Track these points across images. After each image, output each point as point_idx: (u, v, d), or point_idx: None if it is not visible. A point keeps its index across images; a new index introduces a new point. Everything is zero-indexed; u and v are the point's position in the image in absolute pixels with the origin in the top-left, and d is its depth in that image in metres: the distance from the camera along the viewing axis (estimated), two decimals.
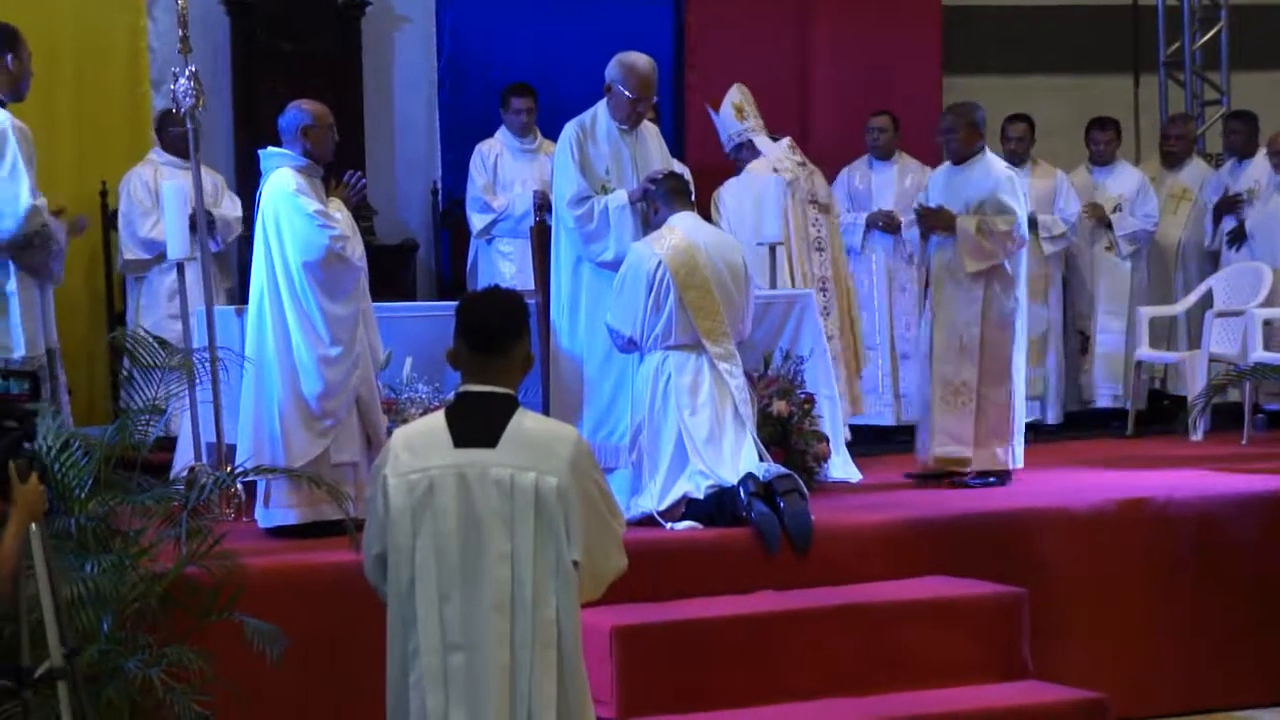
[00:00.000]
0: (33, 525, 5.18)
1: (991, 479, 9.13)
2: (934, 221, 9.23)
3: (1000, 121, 11.78)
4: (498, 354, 4.87)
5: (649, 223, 8.47)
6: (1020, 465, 9.26)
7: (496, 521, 4.78)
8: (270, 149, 8.04)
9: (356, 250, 7.94)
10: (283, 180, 7.88)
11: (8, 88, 7.80)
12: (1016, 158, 11.63)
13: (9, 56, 7.78)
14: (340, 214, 7.95)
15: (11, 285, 7.75)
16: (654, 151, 8.72)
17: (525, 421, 4.86)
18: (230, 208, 10.35)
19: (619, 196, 8.49)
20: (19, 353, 7.69)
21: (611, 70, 8.59)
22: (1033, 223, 11.48)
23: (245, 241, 10.59)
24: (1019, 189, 9.31)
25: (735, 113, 10.65)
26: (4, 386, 5.18)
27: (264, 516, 7.96)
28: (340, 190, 8.11)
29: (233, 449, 8.14)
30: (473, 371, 4.89)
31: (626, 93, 8.53)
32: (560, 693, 4.79)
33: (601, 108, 8.65)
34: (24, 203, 7.65)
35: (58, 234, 7.91)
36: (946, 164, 9.50)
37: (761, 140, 10.63)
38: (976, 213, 9.14)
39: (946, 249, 9.22)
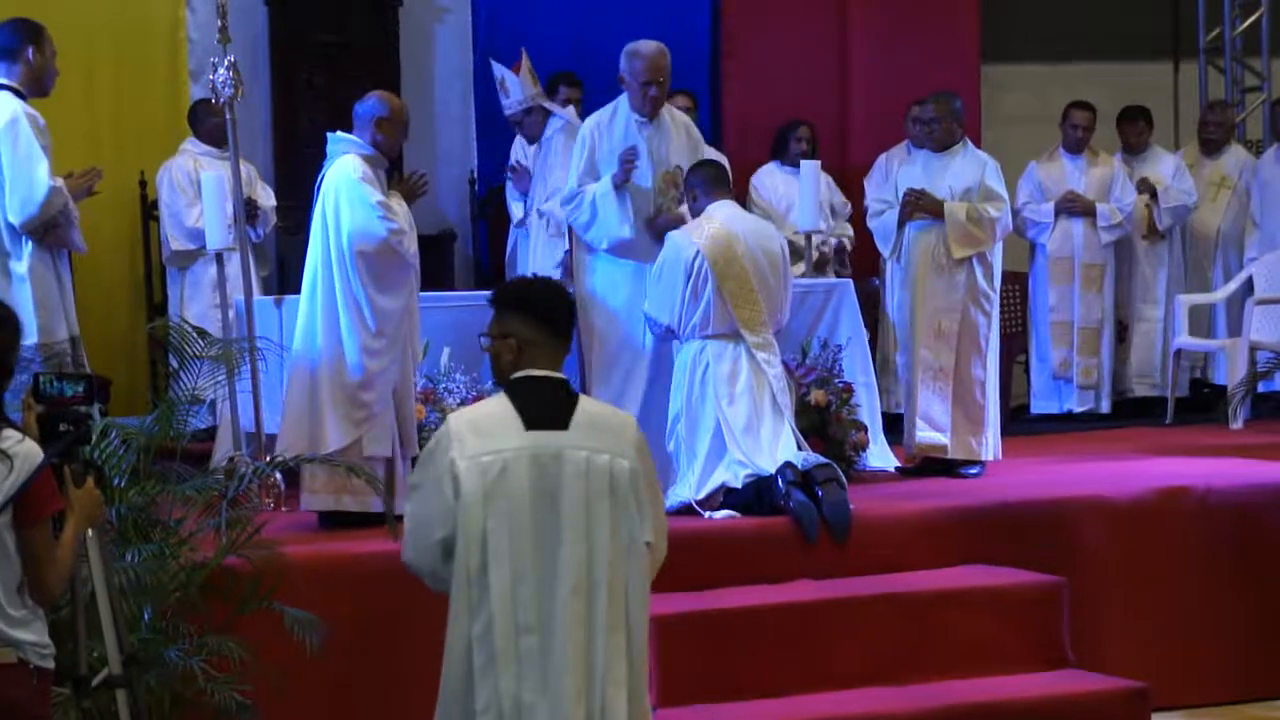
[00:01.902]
0: (89, 531, 5.16)
1: (974, 469, 9.10)
2: (926, 205, 9.20)
3: (1060, 109, 11.71)
4: (565, 336, 4.93)
5: (661, 211, 8.48)
6: (997, 457, 9.19)
7: (572, 503, 4.80)
8: (340, 133, 8.05)
9: (411, 247, 7.94)
10: (349, 166, 7.88)
11: (29, 81, 7.72)
12: (1080, 145, 11.57)
13: (30, 50, 7.70)
14: (400, 208, 7.96)
15: (23, 268, 7.63)
16: (676, 143, 8.68)
17: (589, 406, 4.92)
18: (265, 197, 10.36)
19: (603, 183, 8.49)
20: (31, 339, 7.51)
21: (621, 62, 8.62)
22: (1091, 212, 11.45)
23: (280, 231, 10.65)
24: (1002, 177, 9.31)
25: (530, 78, 10.55)
26: (59, 389, 5.14)
27: (303, 500, 7.99)
28: (403, 185, 8.13)
29: (272, 439, 8.15)
30: (533, 356, 4.89)
31: (635, 79, 8.55)
32: (629, 674, 4.82)
33: (623, 101, 8.68)
34: (44, 185, 7.57)
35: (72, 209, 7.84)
36: (913, 151, 9.47)
37: (553, 104, 10.54)
38: (962, 200, 9.14)
39: (928, 234, 9.19)
